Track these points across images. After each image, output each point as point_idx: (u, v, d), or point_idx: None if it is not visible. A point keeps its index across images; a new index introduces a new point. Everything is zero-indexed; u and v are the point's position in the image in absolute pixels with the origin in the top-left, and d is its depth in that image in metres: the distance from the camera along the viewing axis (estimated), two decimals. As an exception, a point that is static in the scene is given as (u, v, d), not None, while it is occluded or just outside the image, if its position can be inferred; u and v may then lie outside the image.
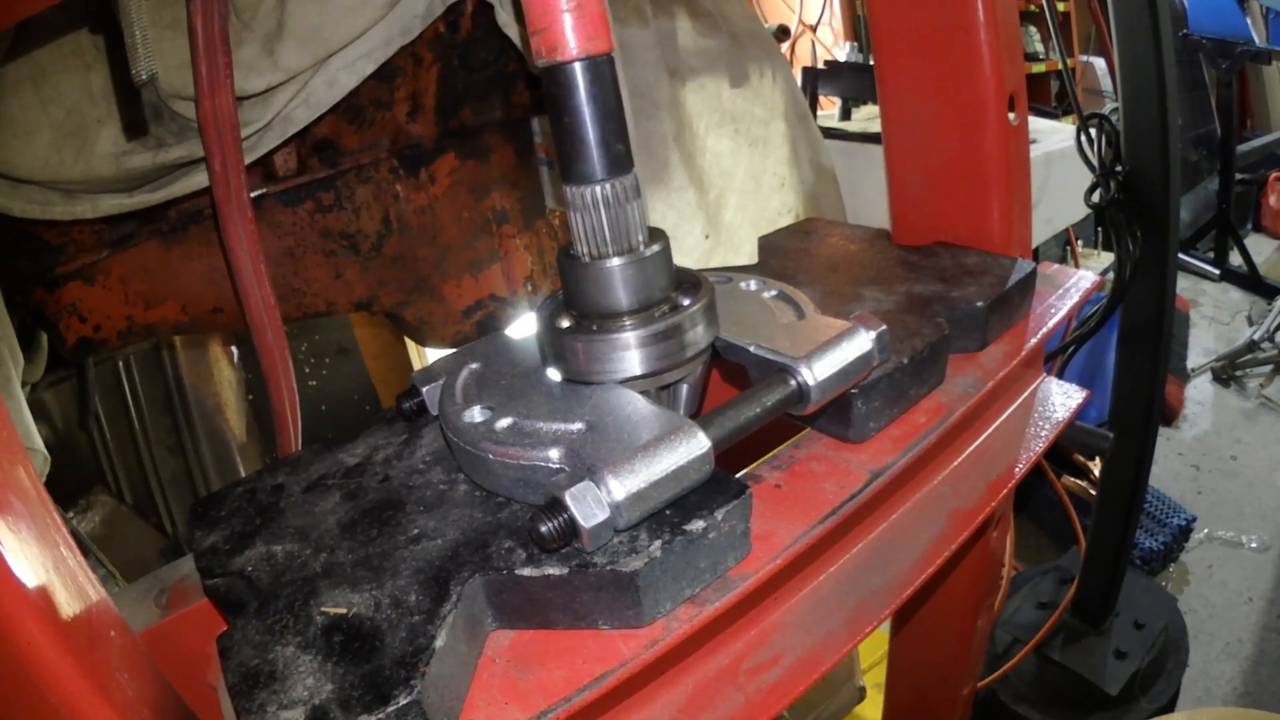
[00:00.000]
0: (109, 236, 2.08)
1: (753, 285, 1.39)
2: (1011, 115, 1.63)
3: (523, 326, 1.31)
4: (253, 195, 1.99)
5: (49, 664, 0.77)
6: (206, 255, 2.13)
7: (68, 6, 1.65)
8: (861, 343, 1.17)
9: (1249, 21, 7.56)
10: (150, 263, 2.13)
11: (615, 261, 1.09)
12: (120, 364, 3.46)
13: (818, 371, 1.12)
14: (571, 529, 0.92)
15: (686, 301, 1.15)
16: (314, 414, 3.64)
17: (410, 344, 3.82)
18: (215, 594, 1.12)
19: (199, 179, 1.87)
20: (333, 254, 2.27)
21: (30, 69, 1.84)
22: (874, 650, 3.62)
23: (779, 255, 1.80)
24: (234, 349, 3.62)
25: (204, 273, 2.16)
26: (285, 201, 2.19)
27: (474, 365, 1.24)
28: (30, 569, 0.77)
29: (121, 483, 3.60)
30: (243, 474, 3.50)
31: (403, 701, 0.83)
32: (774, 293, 1.35)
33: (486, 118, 2.37)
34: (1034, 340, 1.55)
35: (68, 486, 3.35)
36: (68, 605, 0.81)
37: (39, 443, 1.97)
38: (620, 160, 1.07)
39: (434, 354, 3.62)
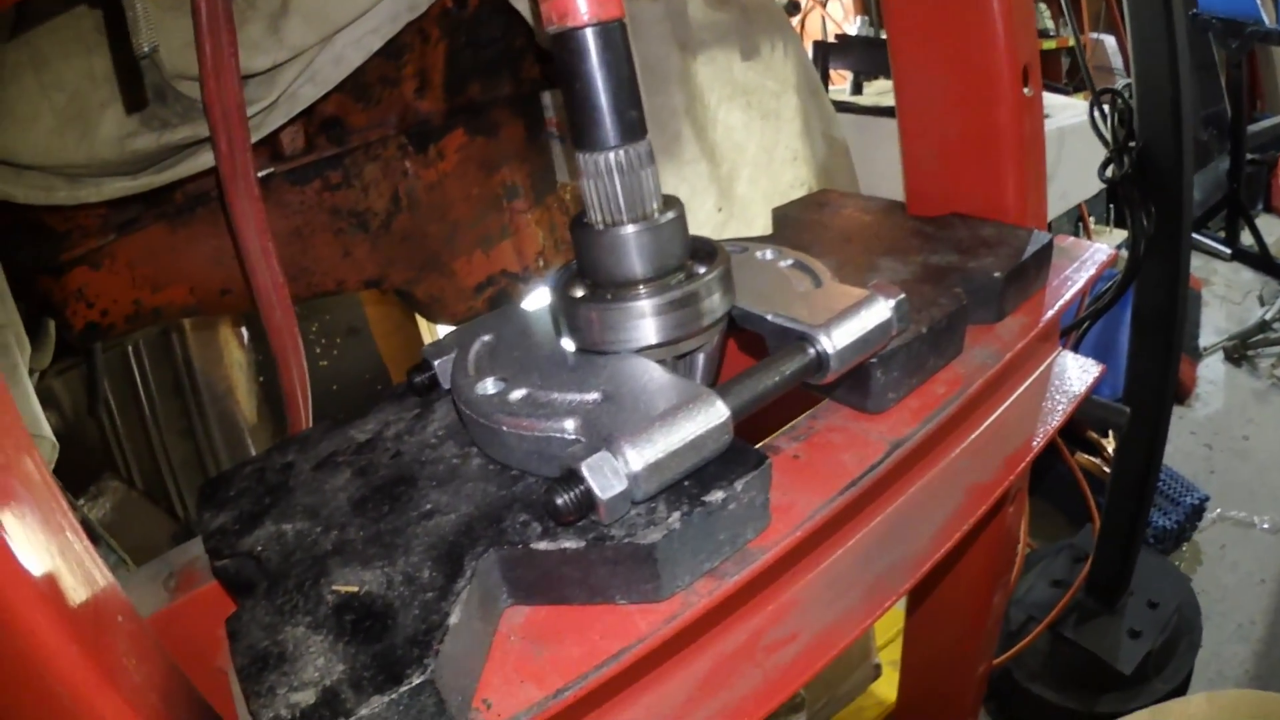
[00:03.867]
0: (114, 220, 2.07)
1: (769, 254, 1.36)
2: (1026, 88, 1.60)
3: (535, 299, 1.29)
4: (260, 175, 1.98)
5: (54, 652, 0.76)
6: (213, 236, 2.12)
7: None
8: (880, 311, 1.15)
9: (1259, 2, 7.50)
10: (156, 245, 2.12)
11: (629, 229, 1.08)
12: (129, 349, 3.46)
13: (836, 340, 1.10)
14: (588, 501, 0.90)
15: (702, 269, 1.13)
16: (325, 393, 3.64)
17: (422, 322, 3.82)
18: (224, 575, 1.10)
19: (204, 159, 1.87)
20: (341, 232, 2.27)
21: (30, 55, 1.83)
22: (890, 627, 3.61)
23: (793, 226, 1.78)
24: (244, 330, 3.62)
25: (211, 254, 2.15)
26: (293, 180, 2.18)
27: (486, 337, 1.22)
28: (35, 557, 0.75)
29: (132, 468, 3.60)
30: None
31: (416, 681, 0.81)
32: (790, 261, 1.33)
33: (495, 93, 2.36)
34: (1051, 312, 1.52)
35: (78, 473, 3.35)
36: (73, 592, 0.80)
37: (47, 430, 1.96)
38: (633, 126, 1.05)
39: (445, 331, 3.61)
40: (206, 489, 1.21)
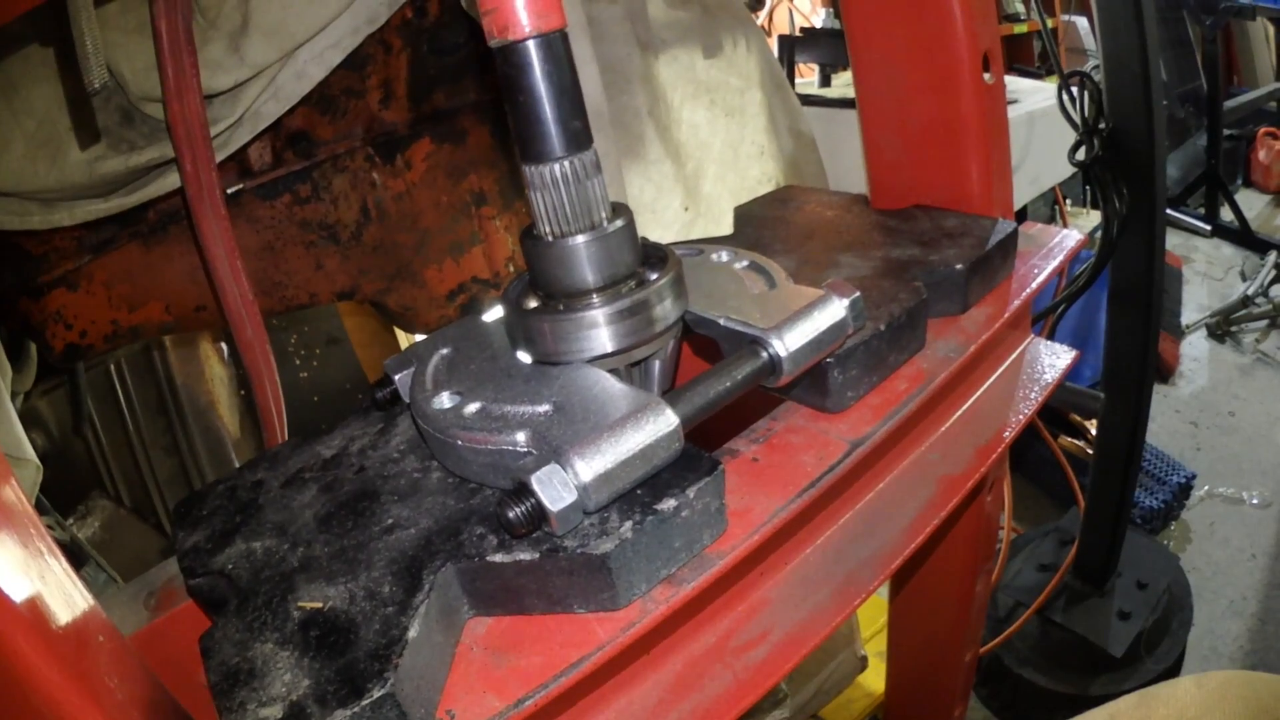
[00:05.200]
0: (89, 242, 2.07)
1: (724, 256, 1.36)
2: (987, 75, 1.61)
3: (496, 311, 1.29)
4: (229, 191, 1.99)
5: (37, 674, 0.76)
6: (188, 254, 2.13)
7: (34, 17, 1.65)
8: (834, 310, 1.16)
9: (1231, -24, 7.52)
10: (132, 265, 2.13)
11: (578, 239, 1.08)
12: (112, 367, 3.45)
13: (789, 342, 1.11)
14: (539, 513, 0.90)
15: (653, 276, 1.14)
16: (306, 405, 3.64)
17: (400, 331, 3.82)
18: (198, 593, 1.11)
19: (173, 179, 1.87)
20: (312, 245, 2.27)
21: (1, 83, 1.85)
22: (875, 619, 3.62)
23: (754, 224, 1.77)
24: (223, 345, 3.61)
25: (186, 271, 2.16)
26: (262, 196, 2.18)
27: (445, 350, 1.22)
28: (16, 582, 0.76)
29: (119, 486, 3.59)
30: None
31: (377, 694, 0.82)
32: (745, 263, 1.33)
33: (460, 101, 2.36)
34: (1018, 301, 1.52)
35: (66, 493, 3.34)
36: (54, 615, 0.80)
37: (30, 452, 1.96)
38: (579, 137, 1.05)
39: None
40: (181, 508, 1.22)
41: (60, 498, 3.18)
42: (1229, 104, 8.39)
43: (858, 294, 1.18)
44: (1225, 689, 1.53)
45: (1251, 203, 8.73)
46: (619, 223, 1.10)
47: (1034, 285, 1.57)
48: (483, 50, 2.24)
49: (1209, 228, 8.15)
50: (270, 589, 1.00)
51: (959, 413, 1.47)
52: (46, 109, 1.84)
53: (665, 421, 0.97)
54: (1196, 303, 7.13)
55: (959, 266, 1.44)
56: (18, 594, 0.76)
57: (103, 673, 0.85)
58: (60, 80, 1.85)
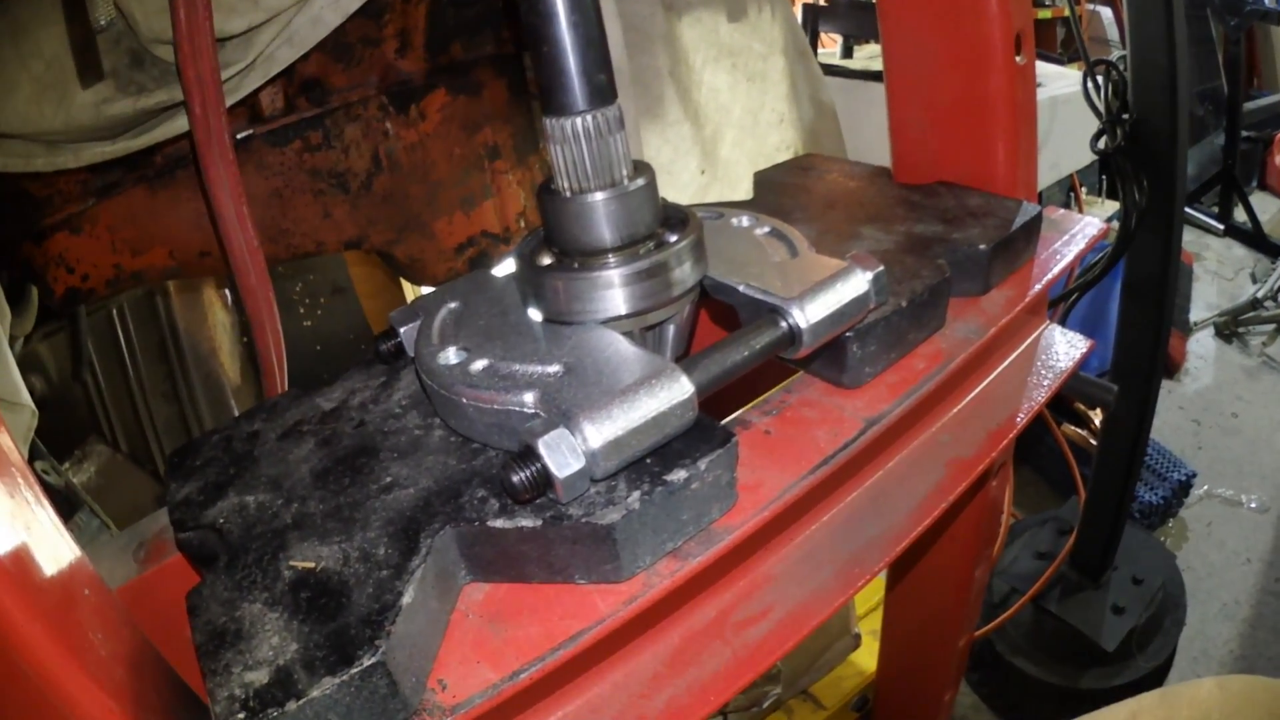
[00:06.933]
0: (95, 185, 2.06)
1: (745, 221, 1.33)
2: (1019, 56, 1.57)
3: (507, 265, 1.26)
4: (239, 136, 1.97)
5: (18, 628, 0.74)
6: (193, 199, 2.10)
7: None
8: (857, 283, 1.12)
9: (1260, -20, 7.46)
10: (137, 209, 2.10)
11: (598, 196, 1.05)
12: (114, 312, 3.42)
13: (810, 313, 1.07)
14: (545, 479, 0.87)
15: (673, 238, 1.10)
16: (309, 354, 3.62)
17: (406, 283, 3.80)
18: (188, 548, 1.09)
19: (181, 122, 1.85)
20: (321, 193, 2.24)
21: (9, 26, 1.82)
22: (870, 597, 3.61)
23: (775, 191, 1.74)
24: (227, 292, 3.58)
25: (191, 217, 2.13)
26: (272, 142, 2.16)
27: (453, 304, 1.19)
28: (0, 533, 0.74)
29: (117, 432, 3.57)
30: (236, 418, 3.51)
31: (367, 662, 0.80)
32: (766, 229, 1.29)
33: (478, 53, 2.33)
34: (1039, 286, 1.49)
35: (63, 437, 3.32)
36: (39, 567, 0.79)
37: (26, 397, 1.94)
38: (602, 91, 1.02)
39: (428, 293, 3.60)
40: (175, 458, 1.19)
41: (57, 442, 3.15)
42: (1249, 106, 8.35)
43: (881, 268, 1.14)
44: (1248, 694, 1.52)
45: (1266, 206, 8.69)
46: (640, 181, 1.07)
47: (1055, 270, 1.54)
48: (501, 3, 2.22)
49: (1222, 227, 8.13)
50: (262, 546, 0.97)
51: (972, 395, 1.44)
52: (55, 52, 1.82)
53: (680, 389, 0.94)
54: (1205, 301, 7.11)
55: (983, 247, 1.41)
56: (2, 545, 0.74)
57: (86, 627, 0.83)
58: (68, 22, 1.82)
